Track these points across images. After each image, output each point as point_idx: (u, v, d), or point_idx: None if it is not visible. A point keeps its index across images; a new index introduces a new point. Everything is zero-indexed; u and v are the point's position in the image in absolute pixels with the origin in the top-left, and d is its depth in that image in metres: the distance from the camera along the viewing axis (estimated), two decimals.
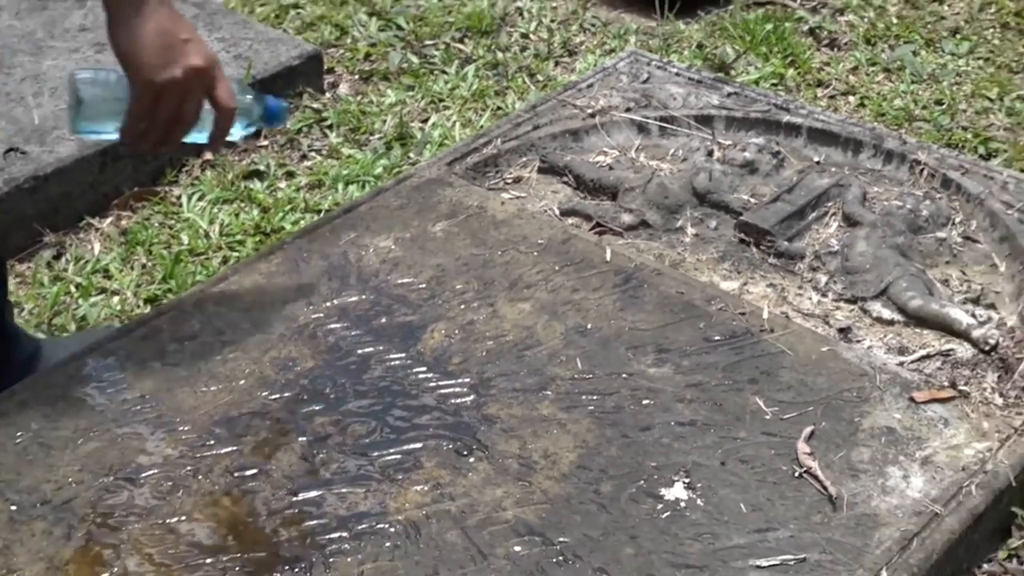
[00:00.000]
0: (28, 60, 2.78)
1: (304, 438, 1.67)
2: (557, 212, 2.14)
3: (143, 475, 1.62)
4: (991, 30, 3.00)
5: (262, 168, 2.71)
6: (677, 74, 2.49)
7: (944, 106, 2.68)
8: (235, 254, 2.36)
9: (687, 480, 1.59)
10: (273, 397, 1.74)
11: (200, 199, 2.52)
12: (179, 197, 2.54)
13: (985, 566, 1.62)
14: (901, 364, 1.78)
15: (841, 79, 2.81)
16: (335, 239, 2.05)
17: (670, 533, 1.51)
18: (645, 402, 1.71)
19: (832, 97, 2.74)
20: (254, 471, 1.62)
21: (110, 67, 1.64)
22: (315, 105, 2.91)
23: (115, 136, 1.64)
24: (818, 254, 2.01)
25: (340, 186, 2.61)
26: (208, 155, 2.68)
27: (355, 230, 2.07)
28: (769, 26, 2.99)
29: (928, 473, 1.58)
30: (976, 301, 1.90)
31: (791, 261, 2.01)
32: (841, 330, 1.86)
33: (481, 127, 2.74)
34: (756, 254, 2.03)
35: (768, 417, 1.68)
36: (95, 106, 1.63)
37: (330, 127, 2.85)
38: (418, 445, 1.65)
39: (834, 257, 1.99)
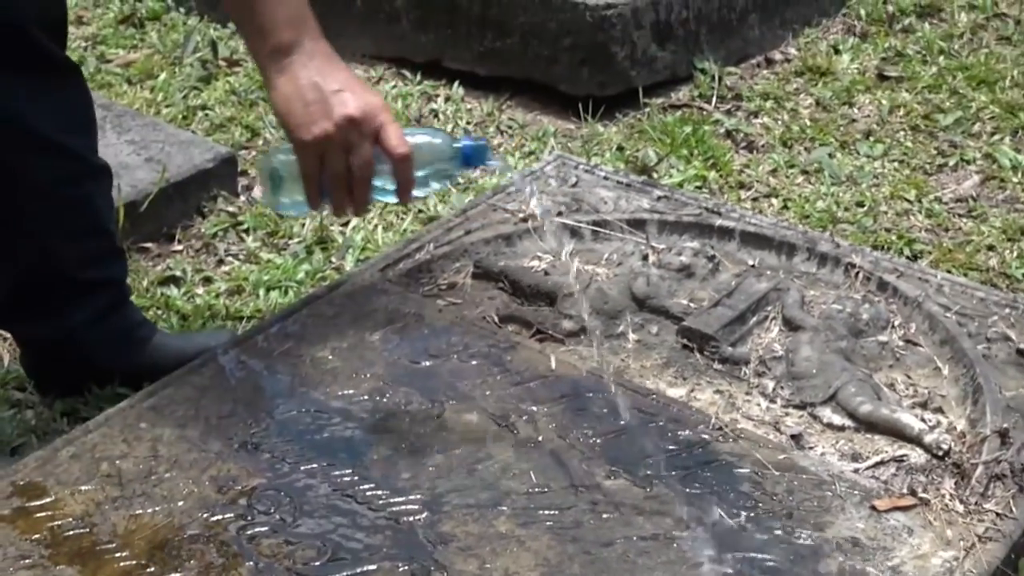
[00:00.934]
0: None
1: (251, 562, 1.58)
2: (496, 319, 2.10)
3: None
4: (902, 132, 3.07)
5: (178, 274, 2.64)
6: (605, 178, 2.48)
7: (865, 208, 2.72)
8: None
9: None
10: (215, 519, 1.65)
11: None
12: None
13: None
14: (857, 471, 1.76)
15: (762, 181, 2.84)
16: (269, 349, 1.98)
17: None
18: (604, 516, 1.66)
19: (755, 199, 2.76)
20: None
21: None
22: (230, 208, 2.86)
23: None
24: (763, 359, 1.99)
25: (261, 292, 2.55)
26: None
27: (289, 340, 2.00)
28: (687, 128, 3.01)
29: None
30: (924, 405, 1.90)
31: (736, 367, 1.99)
32: (793, 436, 1.84)
33: (404, 231, 2.70)
34: (700, 360, 2.01)
35: (731, 530, 1.64)
36: (292, 181, 1.60)
37: (247, 231, 2.79)
38: (372, 567, 1.58)
39: (779, 362, 1.98)
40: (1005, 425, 1.80)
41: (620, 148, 3.00)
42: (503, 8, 3.26)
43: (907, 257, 2.46)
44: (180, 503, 1.68)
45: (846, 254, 2.21)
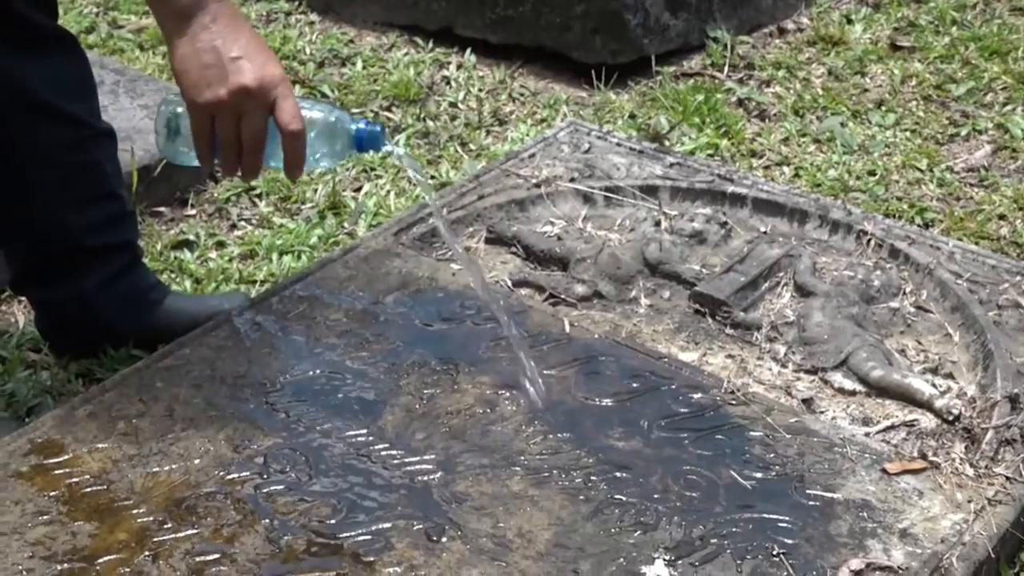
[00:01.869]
0: None
1: (267, 519, 1.60)
2: (509, 283, 2.10)
3: (99, 561, 1.53)
4: (914, 102, 3.06)
5: (191, 238, 2.64)
6: (618, 144, 2.49)
7: (877, 177, 2.71)
8: None
9: (667, 557, 1.55)
10: (231, 477, 1.67)
11: None
12: None
13: None
14: (867, 435, 1.77)
15: (774, 150, 2.84)
16: (284, 311, 1.99)
17: None
18: (617, 476, 1.68)
19: (767, 168, 2.76)
20: (216, 555, 1.55)
21: None
22: None
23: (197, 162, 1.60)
24: (774, 324, 2.00)
25: (274, 256, 2.55)
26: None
27: (304, 302, 2.01)
28: (700, 97, 3.01)
29: (908, 546, 1.57)
30: (935, 371, 1.90)
31: (747, 331, 2.00)
32: (804, 401, 1.85)
33: (417, 196, 2.70)
34: (712, 325, 2.02)
35: (743, 491, 1.65)
36: (188, 133, 1.57)
37: (259, 196, 2.79)
38: (387, 525, 1.59)
39: (791, 327, 1.99)
40: (1015, 390, 1.81)
41: (632, 116, 2.99)
42: None
43: (918, 226, 2.46)
44: (196, 461, 1.69)
45: (858, 221, 2.22)
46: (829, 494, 1.65)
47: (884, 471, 1.69)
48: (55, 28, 2.00)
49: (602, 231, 2.24)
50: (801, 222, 2.25)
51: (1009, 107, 3.05)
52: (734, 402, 1.81)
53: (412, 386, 1.83)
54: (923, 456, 1.71)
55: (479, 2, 3.34)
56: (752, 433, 1.75)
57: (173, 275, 2.51)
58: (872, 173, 2.73)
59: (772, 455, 1.71)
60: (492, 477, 1.67)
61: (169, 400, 1.80)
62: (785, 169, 2.76)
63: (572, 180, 2.34)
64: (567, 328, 1.96)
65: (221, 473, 1.67)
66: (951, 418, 1.79)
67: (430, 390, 1.82)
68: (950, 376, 1.90)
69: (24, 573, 1.52)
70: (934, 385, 1.86)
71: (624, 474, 1.68)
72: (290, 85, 1.55)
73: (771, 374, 1.91)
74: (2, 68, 1.91)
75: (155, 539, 1.57)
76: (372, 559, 1.54)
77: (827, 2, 3.61)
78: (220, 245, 2.63)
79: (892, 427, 1.81)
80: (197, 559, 1.54)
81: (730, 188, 2.31)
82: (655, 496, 1.64)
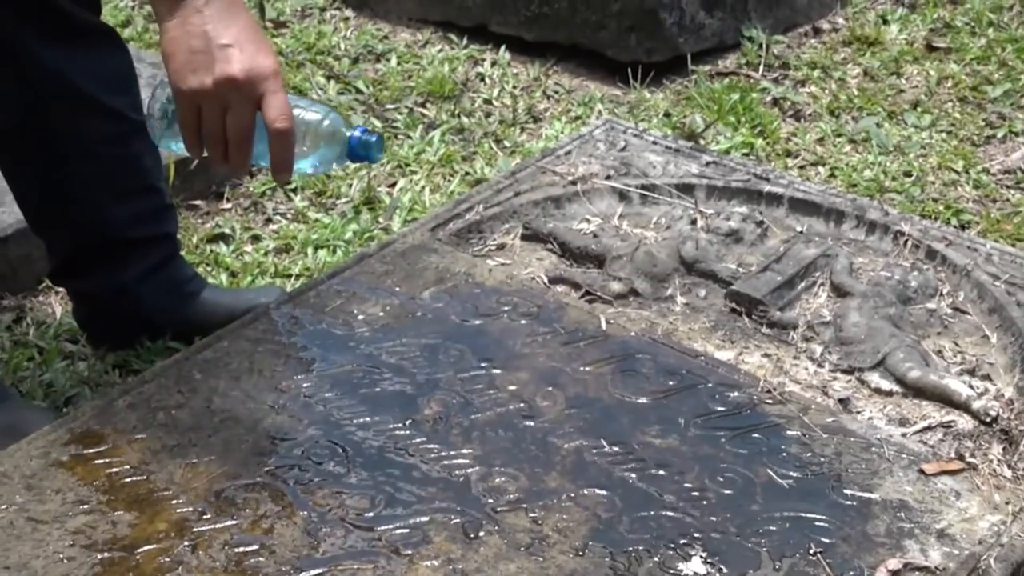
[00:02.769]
0: None
1: (305, 512, 1.61)
2: (545, 280, 2.11)
3: (139, 551, 1.55)
4: (950, 103, 3.06)
5: (227, 231, 2.66)
6: (654, 143, 2.49)
7: (913, 178, 2.71)
8: None
9: (704, 554, 1.55)
10: (269, 469, 1.68)
11: None
12: None
13: None
14: (904, 436, 1.77)
15: (809, 149, 2.84)
16: (321, 305, 2.00)
17: None
18: (653, 473, 1.68)
19: (803, 167, 2.76)
20: (255, 546, 1.56)
21: None
22: None
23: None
24: (811, 324, 2.00)
25: (310, 250, 2.57)
26: None
27: (341, 297, 2.02)
28: (735, 96, 3.01)
29: (945, 546, 1.56)
30: (972, 372, 1.90)
31: (784, 331, 2.00)
32: (841, 401, 1.85)
33: (451, 193, 2.71)
34: (748, 324, 2.01)
35: (780, 490, 1.65)
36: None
37: (295, 191, 2.81)
38: (425, 519, 1.60)
39: (827, 327, 1.99)
40: None
41: (667, 114, 3.00)
42: None
43: (955, 227, 2.46)
44: (235, 453, 1.70)
45: (895, 222, 2.21)
46: (866, 494, 1.65)
47: (921, 472, 1.68)
48: (98, 23, 2.02)
49: (638, 229, 2.24)
50: (838, 222, 2.25)
51: None
52: (770, 401, 1.81)
53: (449, 381, 1.84)
54: (960, 457, 1.71)
55: None
56: (789, 432, 1.75)
57: (209, 268, 2.53)
58: (908, 174, 2.73)
59: (809, 454, 1.71)
60: (529, 473, 1.68)
61: (208, 392, 1.81)
62: (820, 169, 2.76)
63: (608, 178, 2.34)
64: (603, 325, 1.96)
65: (260, 465, 1.68)
66: (988, 420, 1.79)
67: (467, 385, 1.83)
68: (987, 378, 1.90)
69: (65, 561, 1.53)
70: (971, 387, 1.85)
71: (661, 471, 1.68)
72: (282, 80, 1.48)
73: (807, 373, 1.91)
74: (45, 62, 1.93)
75: (195, 529, 1.58)
76: (410, 552, 1.55)
77: (863, 2, 3.61)
78: (255, 239, 2.65)
79: (929, 428, 1.80)
80: (236, 550, 1.55)
81: (766, 187, 2.30)
82: (693, 494, 1.64)
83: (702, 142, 2.79)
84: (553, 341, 1.92)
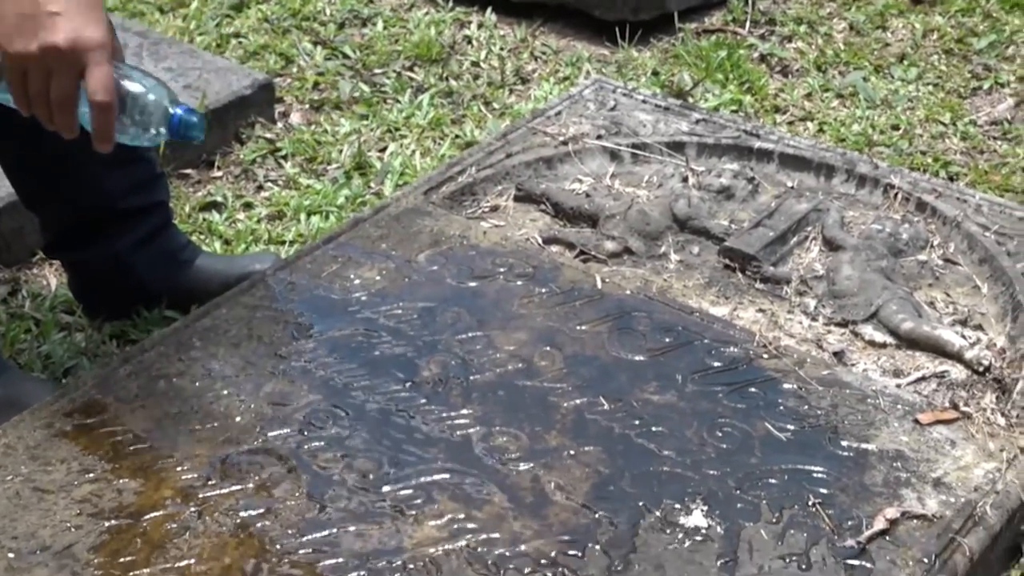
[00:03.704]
0: None
1: (309, 475, 1.62)
2: (540, 240, 2.12)
3: (145, 518, 1.56)
4: (936, 56, 3.06)
5: (219, 199, 2.66)
6: (644, 101, 2.49)
7: (901, 131, 2.72)
8: None
9: (705, 508, 1.58)
10: (273, 434, 1.69)
11: None
12: None
13: None
14: (899, 387, 1.79)
15: (798, 105, 2.84)
16: (317, 270, 2.01)
17: (695, 562, 1.50)
18: (653, 430, 1.70)
19: (791, 123, 2.77)
20: (261, 510, 1.57)
21: None
22: (268, 135, 2.87)
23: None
24: (804, 278, 2.02)
25: (302, 216, 2.57)
26: None
27: (337, 261, 2.03)
28: (722, 53, 3.01)
29: (941, 494, 1.59)
30: (964, 323, 1.92)
31: (777, 286, 2.02)
32: (835, 353, 1.87)
33: (442, 156, 2.72)
34: (742, 280, 2.03)
35: (778, 443, 1.67)
36: None
37: (284, 157, 2.81)
38: (428, 479, 1.62)
39: (820, 281, 2.00)
40: None
41: (655, 73, 3.00)
42: None
43: (944, 179, 2.47)
44: (238, 419, 1.72)
45: (885, 175, 2.23)
46: (863, 445, 1.67)
47: (917, 422, 1.71)
48: None
49: (630, 188, 2.26)
50: (828, 176, 2.26)
51: None
52: (766, 356, 1.83)
53: (447, 343, 1.85)
54: (955, 406, 1.73)
55: None
56: (785, 386, 1.77)
57: (202, 237, 2.53)
58: (896, 127, 2.74)
59: (805, 407, 1.73)
60: (530, 432, 1.69)
61: (207, 359, 1.82)
62: (809, 124, 2.77)
63: (599, 137, 2.35)
64: (599, 284, 1.98)
65: (263, 430, 1.69)
66: (981, 369, 1.81)
67: (466, 347, 1.84)
68: (979, 328, 1.92)
69: (72, 530, 1.55)
70: (964, 336, 1.87)
71: (660, 428, 1.70)
72: (108, 52, 1.46)
73: (802, 327, 1.93)
74: None
75: (200, 495, 1.59)
76: (414, 513, 1.57)
77: None
78: (248, 206, 2.65)
79: (923, 378, 1.83)
80: (242, 515, 1.57)
81: (756, 143, 2.32)
82: (691, 449, 1.66)
83: (691, 100, 2.79)
84: (549, 301, 1.94)
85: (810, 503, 1.58)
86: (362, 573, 1.49)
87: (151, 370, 1.80)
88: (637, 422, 1.71)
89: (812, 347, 1.88)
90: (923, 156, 2.61)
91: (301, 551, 1.52)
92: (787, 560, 1.50)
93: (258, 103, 2.90)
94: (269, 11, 3.40)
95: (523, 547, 1.52)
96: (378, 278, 1.99)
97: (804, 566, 1.49)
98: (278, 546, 1.52)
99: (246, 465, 1.64)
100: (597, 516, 1.56)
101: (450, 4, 3.41)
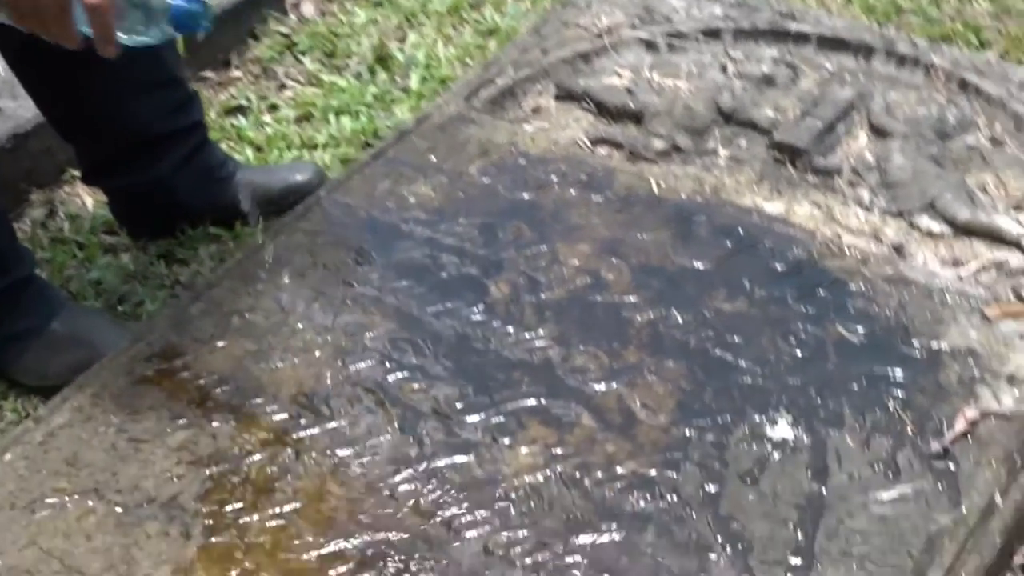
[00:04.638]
0: None
1: (399, 409, 1.65)
2: (588, 142, 2.12)
3: (245, 463, 1.59)
4: None
5: (243, 103, 2.64)
6: None
7: None
8: None
9: (789, 418, 1.61)
10: (355, 367, 1.71)
11: None
12: None
13: None
14: (960, 278, 1.82)
15: None
16: (370, 189, 2.01)
17: (787, 474, 1.54)
18: (728, 340, 1.73)
19: None
20: (356, 447, 1.60)
21: None
22: (282, 29, 2.83)
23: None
24: (855, 169, 2.03)
25: (331, 117, 2.55)
26: None
27: (388, 178, 2.03)
28: None
29: (1016, 390, 1.63)
30: (1018, 207, 1.94)
31: (829, 177, 2.03)
32: (894, 247, 1.89)
33: (466, 45, 2.68)
34: (793, 173, 2.04)
35: (851, 347, 1.71)
36: None
37: (303, 52, 2.78)
38: (516, 404, 1.65)
39: (872, 171, 2.01)
40: None
41: None
42: None
43: (975, 47, 2.47)
44: (317, 353, 1.73)
45: (925, 54, 2.22)
46: (934, 343, 1.70)
47: (984, 317, 1.74)
48: None
49: (669, 80, 2.24)
50: (867, 57, 2.25)
51: None
52: (829, 256, 1.85)
53: (512, 260, 1.86)
54: (1020, 299, 1.76)
55: None
56: (851, 287, 1.80)
57: (232, 144, 2.52)
58: None
59: (874, 307, 1.76)
60: (608, 349, 1.72)
61: (276, 291, 1.83)
62: None
63: (633, 27, 2.33)
64: (655, 189, 1.98)
65: (344, 364, 1.71)
66: None
67: (531, 263, 1.86)
68: None
69: (175, 480, 1.58)
70: (1020, 223, 1.90)
71: (736, 337, 1.73)
72: None
73: (858, 220, 1.95)
74: None
75: (294, 436, 1.62)
76: (507, 440, 1.60)
77: None
78: (273, 108, 2.63)
79: (983, 268, 1.85)
80: (339, 453, 1.59)
81: (793, 26, 2.30)
82: (769, 357, 1.70)
83: None
84: (607, 209, 1.95)
85: (890, 407, 1.62)
86: (465, 505, 1.53)
87: (223, 307, 1.81)
88: (711, 333, 1.74)
89: (871, 240, 1.90)
90: (952, 22, 2.60)
91: (402, 487, 1.55)
92: (875, 467, 1.54)
93: None
94: None
95: (619, 469, 1.56)
96: (433, 194, 1.99)
97: (892, 472, 1.54)
98: (380, 484, 1.55)
99: (334, 401, 1.67)
100: (687, 434, 1.60)
101: None
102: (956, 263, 1.87)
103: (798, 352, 1.70)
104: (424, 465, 1.58)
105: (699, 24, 2.32)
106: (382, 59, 2.70)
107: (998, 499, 1.50)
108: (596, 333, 1.74)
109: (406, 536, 1.49)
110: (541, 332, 1.75)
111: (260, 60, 2.76)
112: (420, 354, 1.72)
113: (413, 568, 1.46)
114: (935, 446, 1.56)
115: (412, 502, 1.53)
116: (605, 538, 1.48)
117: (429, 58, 2.66)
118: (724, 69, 2.24)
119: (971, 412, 1.60)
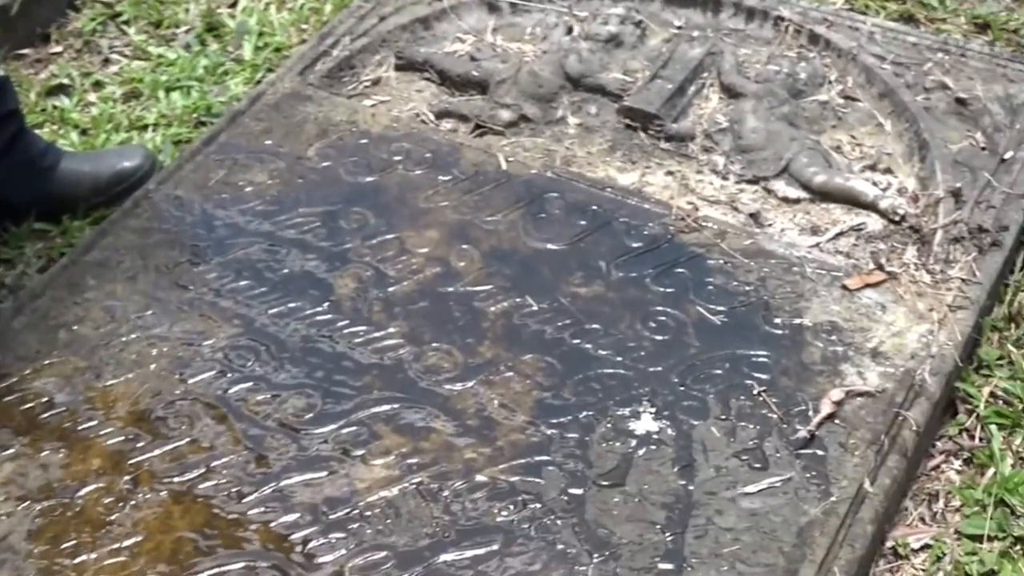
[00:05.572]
0: None
1: (242, 423, 1.55)
2: (432, 116, 2.02)
3: (79, 494, 1.48)
4: None
5: (65, 81, 2.47)
6: None
7: None
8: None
9: (652, 410, 1.56)
10: (194, 380, 1.61)
11: None
12: None
13: (939, 444, 1.66)
14: (818, 246, 1.78)
15: None
16: (203, 179, 1.89)
17: (653, 471, 1.49)
18: (586, 327, 1.66)
19: None
20: (201, 470, 1.50)
21: None
22: None
23: None
24: (708, 133, 1.97)
25: (161, 94, 2.40)
26: None
27: (223, 166, 1.91)
28: None
29: (880, 366, 1.59)
30: (873, 167, 1.90)
31: (682, 143, 1.96)
32: (751, 215, 1.84)
33: (301, 6, 2.55)
34: (645, 140, 1.97)
35: (712, 328, 1.65)
36: None
37: (127, 23, 2.61)
38: (367, 412, 1.56)
39: (725, 135, 1.96)
40: (957, 184, 1.82)
41: None
42: None
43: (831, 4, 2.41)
44: (152, 366, 1.62)
45: (773, 7, 2.16)
46: (796, 320, 1.66)
47: (845, 288, 1.70)
48: None
49: (513, 43, 2.15)
50: (715, 11, 2.18)
51: None
52: (686, 229, 1.79)
53: (358, 251, 1.77)
54: (880, 267, 1.72)
55: None
56: (710, 262, 1.74)
57: (55, 128, 2.36)
58: None
59: (734, 283, 1.71)
60: (462, 345, 1.64)
61: (106, 299, 1.71)
62: None
63: None
64: (503, 164, 1.90)
65: (182, 377, 1.61)
66: (897, 218, 1.81)
67: (377, 253, 1.76)
68: (888, 171, 1.91)
69: (4, 518, 1.46)
70: (875, 184, 1.86)
71: (594, 324, 1.66)
72: None
73: (714, 188, 1.89)
74: None
75: (131, 461, 1.52)
76: (360, 453, 1.51)
77: None
78: (98, 85, 2.47)
79: (841, 233, 1.81)
80: (181, 477, 1.49)
81: None
82: (629, 345, 1.63)
83: None
84: (455, 190, 1.86)
85: (755, 391, 1.57)
86: (318, 527, 1.44)
87: (48, 319, 1.69)
88: (569, 321, 1.67)
89: (727, 210, 1.85)
90: None
91: (251, 512, 1.46)
92: (742, 457, 1.50)
93: None
94: None
95: (478, 477, 1.49)
96: (270, 181, 1.88)
97: (759, 463, 1.49)
98: (226, 509, 1.46)
99: (173, 419, 1.56)
100: (548, 434, 1.53)
101: None
102: (815, 230, 1.83)
103: (658, 336, 1.64)
104: (273, 486, 1.48)
105: None
106: (212, 27, 2.55)
107: (867, 485, 1.46)
108: (449, 328, 1.66)
109: (258, 566, 1.40)
110: (391, 330, 1.66)
111: (82, 32, 2.59)
112: (263, 362, 1.62)
113: None
114: (801, 432, 1.52)
115: (261, 528, 1.44)
116: (468, 554, 1.41)
117: (262, 24, 2.52)
118: (570, 30, 2.15)
119: (836, 394, 1.56)
